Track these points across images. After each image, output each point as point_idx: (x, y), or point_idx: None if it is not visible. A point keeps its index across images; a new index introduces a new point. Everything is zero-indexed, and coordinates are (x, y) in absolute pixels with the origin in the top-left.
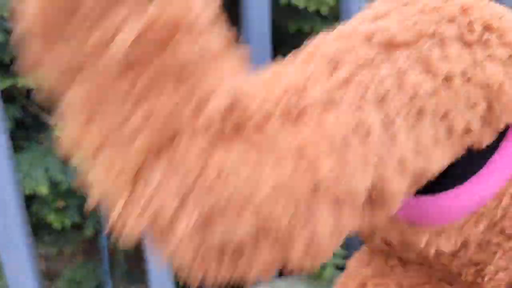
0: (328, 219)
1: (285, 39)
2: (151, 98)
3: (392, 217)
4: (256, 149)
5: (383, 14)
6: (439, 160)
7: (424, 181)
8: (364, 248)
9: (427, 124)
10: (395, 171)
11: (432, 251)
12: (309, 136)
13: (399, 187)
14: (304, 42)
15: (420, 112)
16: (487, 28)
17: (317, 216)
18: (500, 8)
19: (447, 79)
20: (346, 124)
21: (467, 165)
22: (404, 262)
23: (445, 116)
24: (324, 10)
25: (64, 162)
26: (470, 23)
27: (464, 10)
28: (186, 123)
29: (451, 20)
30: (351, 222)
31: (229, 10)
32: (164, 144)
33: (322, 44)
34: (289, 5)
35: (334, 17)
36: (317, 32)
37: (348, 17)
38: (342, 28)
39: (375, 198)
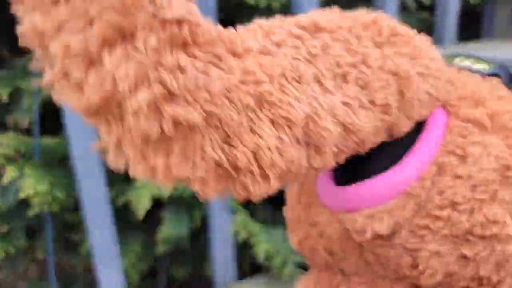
0: (270, 138)
1: None
2: None
3: (330, 212)
4: (207, 59)
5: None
6: (365, 123)
7: (351, 148)
8: (310, 269)
9: (351, 88)
10: (327, 114)
11: (368, 234)
12: (252, 65)
13: (331, 128)
14: None
15: (345, 76)
16: (394, 33)
17: (260, 130)
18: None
19: (364, 59)
20: (282, 66)
21: (390, 153)
22: (348, 279)
23: (366, 87)
24: (276, 6)
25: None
26: (380, 29)
27: (375, 21)
28: (143, 21)
29: (365, 26)
30: (293, 153)
31: None
32: (120, 37)
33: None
34: (239, 1)
35: (285, 13)
36: None
37: (300, 12)
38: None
39: (311, 134)
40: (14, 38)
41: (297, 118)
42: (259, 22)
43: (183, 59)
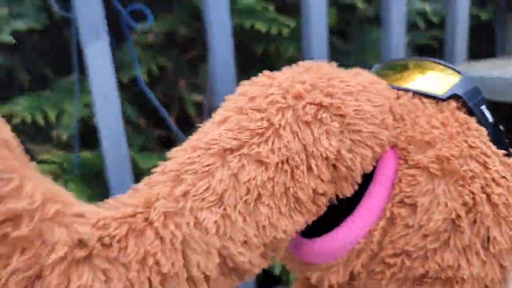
0: None
1: (253, 61)
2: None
3: (290, 257)
4: (105, 269)
5: (226, 118)
6: (289, 227)
7: (284, 244)
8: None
9: (265, 206)
10: (242, 248)
11: (325, 284)
12: (151, 246)
13: (249, 259)
14: (271, 63)
15: (257, 199)
16: (320, 107)
17: None
18: (337, 83)
19: (280, 165)
20: (186, 226)
21: (343, 208)
22: None
23: (284, 193)
24: (286, 32)
25: None
26: (303, 107)
27: (297, 96)
28: (43, 266)
29: (287, 108)
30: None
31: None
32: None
33: (172, 159)
34: (252, 29)
35: (297, 37)
36: (282, 52)
37: (309, 38)
38: (193, 138)
39: (233, 268)
40: (57, 59)
41: (210, 272)
42: (175, 154)
43: (84, 282)
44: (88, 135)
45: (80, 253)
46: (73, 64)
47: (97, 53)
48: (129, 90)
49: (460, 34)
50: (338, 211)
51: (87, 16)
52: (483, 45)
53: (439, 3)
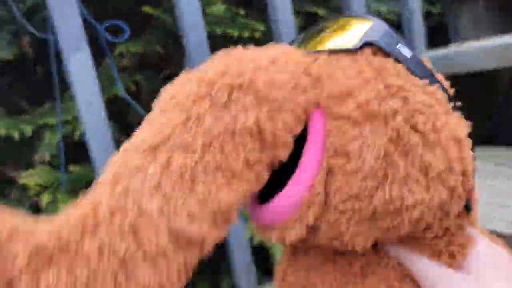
0: (147, 278)
1: None
2: None
3: (254, 223)
4: (67, 266)
5: (151, 119)
6: (231, 197)
7: (233, 213)
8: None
9: (201, 183)
10: (189, 222)
11: (286, 242)
12: (104, 238)
13: (199, 230)
14: None
15: (192, 180)
16: (233, 88)
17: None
18: (246, 63)
19: (206, 147)
20: (131, 215)
21: (286, 169)
22: (304, 249)
23: (217, 169)
24: (258, 35)
25: None
26: (217, 92)
27: (210, 84)
28: (12, 277)
29: (202, 97)
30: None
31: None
32: None
33: (110, 165)
34: (224, 35)
35: (268, 40)
36: None
37: (280, 41)
38: (126, 143)
39: (187, 241)
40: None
41: (161, 246)
42: (112, 171)
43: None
44: (70, 152)
45: (41, 258)
46: (54, 82)
47: (80, 64)
48: (107, 109)
49: (416, 27)
50: (288, 175)
51: (67, 30)
52: (438, 36)
53: (392, 2)
